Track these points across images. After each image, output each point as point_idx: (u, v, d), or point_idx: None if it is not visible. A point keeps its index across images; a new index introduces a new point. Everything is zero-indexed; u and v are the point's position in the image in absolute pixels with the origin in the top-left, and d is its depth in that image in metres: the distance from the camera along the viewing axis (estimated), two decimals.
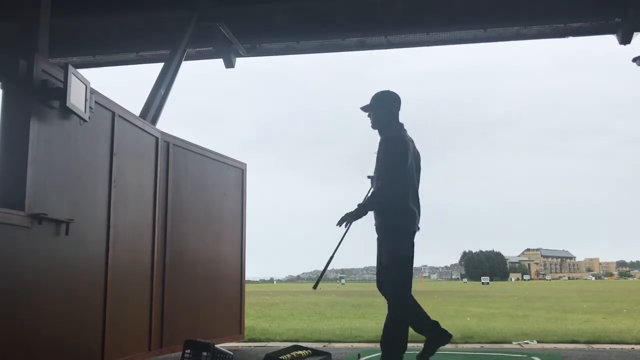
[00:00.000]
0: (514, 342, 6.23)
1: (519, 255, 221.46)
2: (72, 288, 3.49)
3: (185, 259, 5.05)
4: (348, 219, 3.69)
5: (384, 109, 3.92)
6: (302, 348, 4.67)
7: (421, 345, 3.91)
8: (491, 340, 6.45)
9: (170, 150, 4.93)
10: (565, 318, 10.73)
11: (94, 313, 3.73)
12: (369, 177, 3.96)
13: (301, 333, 7.46)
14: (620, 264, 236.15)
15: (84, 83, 3.47)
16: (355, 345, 6.11)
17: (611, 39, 5.95)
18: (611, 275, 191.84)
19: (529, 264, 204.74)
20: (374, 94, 3.97)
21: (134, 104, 4.80)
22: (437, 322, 3.85)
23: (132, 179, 4.31)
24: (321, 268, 3.78)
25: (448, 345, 6.01)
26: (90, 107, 3.58)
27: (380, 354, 3.73)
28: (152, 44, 6.48)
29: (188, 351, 3.91)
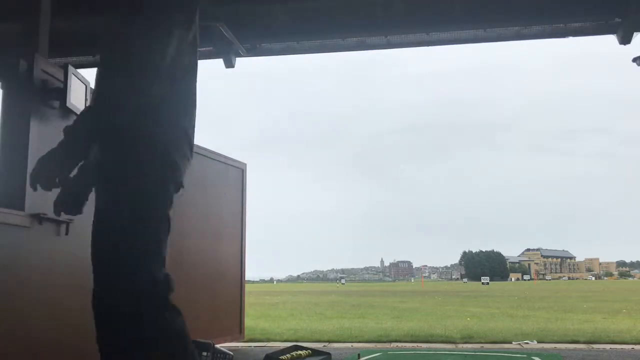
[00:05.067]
0: (514, 342, 6.23)
1: (519, 255, 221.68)
2: (72, 288, 3.49)
3: (185, 259, 5.05)
4: None
5: None
6: (302, 348, 4.67)
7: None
8: (491, 340, 6.44)
9: None
10: (565, 318, 10.72)
11: None
12: None
13: (301, 333, 7.45)
14: (620, 264, 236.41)
15: (84, 83, 3.47)
16: (355, 345, 6.10)
17: (611, 39, 5.94)
18: (611, 275, 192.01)
19: (529, 264, 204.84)
20: None
21: None
22: None
23: None
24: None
25: (448, 345, 6.04)
26: None
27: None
28: None
29: None
